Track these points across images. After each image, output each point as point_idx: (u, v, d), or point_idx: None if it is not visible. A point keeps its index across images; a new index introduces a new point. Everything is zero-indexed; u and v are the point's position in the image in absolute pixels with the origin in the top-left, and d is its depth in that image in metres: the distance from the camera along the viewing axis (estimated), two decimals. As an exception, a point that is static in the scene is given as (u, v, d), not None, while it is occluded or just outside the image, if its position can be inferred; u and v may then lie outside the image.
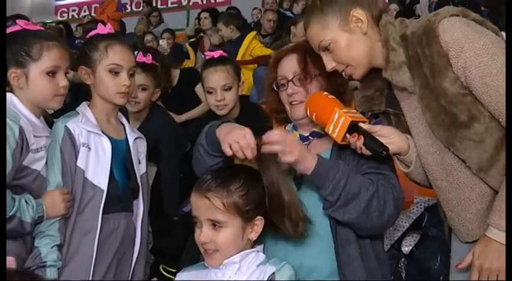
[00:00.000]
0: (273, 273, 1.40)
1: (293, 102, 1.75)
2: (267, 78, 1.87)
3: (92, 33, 1.93)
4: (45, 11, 12.41)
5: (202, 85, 2.64)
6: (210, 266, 1.46)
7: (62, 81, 1.77)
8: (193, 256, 1.99)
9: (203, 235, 1.42)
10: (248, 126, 2.44)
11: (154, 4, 10.76)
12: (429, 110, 1.50)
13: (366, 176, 1.58)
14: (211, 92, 2.53)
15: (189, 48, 5.63)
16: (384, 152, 1.51)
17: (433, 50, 1.45)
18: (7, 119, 1.65)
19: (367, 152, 1.53)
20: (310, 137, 1.76)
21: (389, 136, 1.57)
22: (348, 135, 1.52)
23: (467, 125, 1.45)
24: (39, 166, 1.75)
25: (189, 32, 8.36)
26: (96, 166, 1.82)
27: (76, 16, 12.21)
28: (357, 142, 1.52)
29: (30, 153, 1.70)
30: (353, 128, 1.51)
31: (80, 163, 1.80)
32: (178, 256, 2.20)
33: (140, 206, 1.96)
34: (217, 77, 2.51)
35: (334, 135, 1.53)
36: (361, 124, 1.53)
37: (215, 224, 1.41)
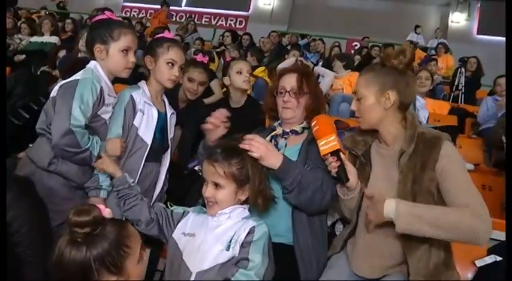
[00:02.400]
0: (253, 227, 1.40)
1: (285, 107, 1.78)
2: (270, 86, 1.89)
3: (160, 35, 1.96)
4: (114, 8, 12.09)
5: (229, 74, 2.70)
6: (209, 215, 1.47)
7: (132, 58, 1.78)
8: (193, 202, 1.99)
9: (208, 191, 1.43)
10: (248, 116, 2.45)
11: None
12: (404, 183, 1.45)
13: (316, 172, 1.60)
14: (239, 73, 2.64)
15: (216, 55, 5.53)
16: (344, 181, 1.52)
17: (432, 154, 1.42)
18: (93, 80, 1.68)
19: (333, 172, 1.53)
20: (290, 133, 1.79)
21: (349, 172, 1.53)
22: (329, 155, 1.51)
23: None
24: (106, 116, 1.77)
25: (214, 43, 8.31)
26: (146, 127, 1.84)
27: (136, 15, 11.93)
28: (334, 163, 1.51)
29: (104, 106, 1.72)
30: (336, 152, 1.51)
31: (136, 122, 1.81)
32: (182, 198, 2.17)
33: (167, 159, 1.97)
34: (244, 64, 2.70)
35: (321, 148, 1.53)
36: (341, 154, 1.52)
37: (217, 185, 1.42)
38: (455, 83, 5.86)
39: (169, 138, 1.97)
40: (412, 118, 1.52)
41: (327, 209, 1.73)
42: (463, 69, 5.93)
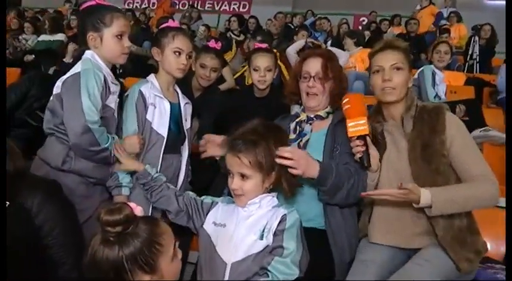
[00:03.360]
0: (285, 214, 1.37)
1: (309, 93, 1.73)
2: (293, 69, 1.86)
3: (164, 25, 1.90)
4: (117, 0, 12.05)
5: (249, 66, 2.54)
6: (238, 206, 1.44)
7: (126, 43, 1.71)
8: (217, 193, 1.97)
9: (234, 183, 1.40)
10: (273, 104, 2.38)
11: (195, 6, 10.40)
12: (414, 150, 1.53)
13: (347, 167, 1.58)
14: (256, 70, 2.45)
15: (234, 44, 5.38)
16: (366, 165, 1.53)
17: (439, 120, 1.52)
18: (95, 69, 1.60)
19: (357, 156, 1.53)
20: (314, 118, 1.75)
21: (373, 156, 1.55)
22: (356, 138, 1.50)
23: (434, 172, 1.50)
24: (113, 105, 1.72)
25: (220, 29, 8.21)
26: (159, 120, 1.80)
27: (138, 6, 11.79)
28: (359, 147, 1.50)
29: (110, 95, 1.68)
30: (363, 136, 1.49)
31: (149, 116, 1.78)
32: (205, 188, 2.16)
33: (186, 150, 1.94)
34: (263, 60, 2.44)
35: (349, 130, 1.51)
36: (368, 138, 1.51)
37: (243, 176, 1.39)
38: (469, 53, 5.70)
39: (185, 128, 1.94)
40: (410, 92, 1.64)
41: None
42: (476, 38, 5.75)
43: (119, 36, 1.68)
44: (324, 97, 1.74)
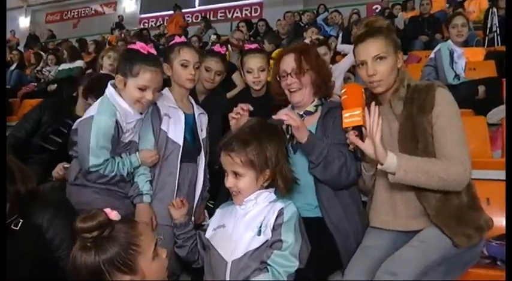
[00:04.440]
0: (282, 208, 1.39)
1: (291, 90, 1.75)
2: (273, 71, 1.88)
3: (171, 43, 2.03)
4: (132, 21, 12.46)
5: (242, 68, 2.55)
6: (236, 204, 1.48)
7: (148, 96, 1.73)
8: (225, 195, 2.00)
9: (228, 182, 1.44)
10: (270, 101, 2.40)
11: (208, 17, 10.59)
12: (404, 131, 1.50)
13: (339, 148, 1.59)
14: (250, 72, 2.45)
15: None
16: (359, 156, 1.53)
17: (428, 99, 1.47)
18: (108, 114, 1.69)
19: (351, 146, 1.51)
20: (304, 115, 1.76)
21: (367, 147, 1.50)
22: (351, 128, 1.45)
23: (423, 152, 1.46)
24: (127, 139, 1.81)
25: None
26: (174, 130, 1.90)
27: (153, 25, 12.17)
28: (353, 138, 1.44)
29: (123, 134, 1.77)
30: (358, 127, 1.44)
31: (164, 126, 1.88)
32: (216, 193, 2.19)
33: (202, 159, 2.02)
34: (255, 61, 2.43)
35: (344, 121, 1.46)
36: (363, 129, 1.46)
37: (236, 174, 1.42)
38: (489, 26, 5.47)
39: (201, 138, 2.01)
40: (401, 73, 1.59)
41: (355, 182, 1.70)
42: (494, 9, 5.52)
43: (141, 89, 1.72)
44: (307, 90, 1.75)
